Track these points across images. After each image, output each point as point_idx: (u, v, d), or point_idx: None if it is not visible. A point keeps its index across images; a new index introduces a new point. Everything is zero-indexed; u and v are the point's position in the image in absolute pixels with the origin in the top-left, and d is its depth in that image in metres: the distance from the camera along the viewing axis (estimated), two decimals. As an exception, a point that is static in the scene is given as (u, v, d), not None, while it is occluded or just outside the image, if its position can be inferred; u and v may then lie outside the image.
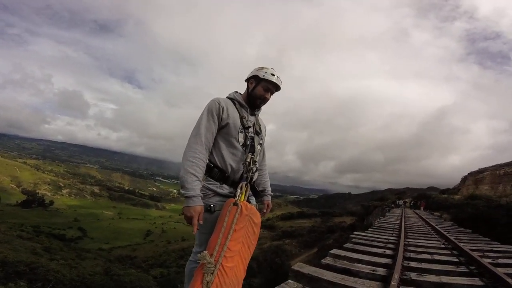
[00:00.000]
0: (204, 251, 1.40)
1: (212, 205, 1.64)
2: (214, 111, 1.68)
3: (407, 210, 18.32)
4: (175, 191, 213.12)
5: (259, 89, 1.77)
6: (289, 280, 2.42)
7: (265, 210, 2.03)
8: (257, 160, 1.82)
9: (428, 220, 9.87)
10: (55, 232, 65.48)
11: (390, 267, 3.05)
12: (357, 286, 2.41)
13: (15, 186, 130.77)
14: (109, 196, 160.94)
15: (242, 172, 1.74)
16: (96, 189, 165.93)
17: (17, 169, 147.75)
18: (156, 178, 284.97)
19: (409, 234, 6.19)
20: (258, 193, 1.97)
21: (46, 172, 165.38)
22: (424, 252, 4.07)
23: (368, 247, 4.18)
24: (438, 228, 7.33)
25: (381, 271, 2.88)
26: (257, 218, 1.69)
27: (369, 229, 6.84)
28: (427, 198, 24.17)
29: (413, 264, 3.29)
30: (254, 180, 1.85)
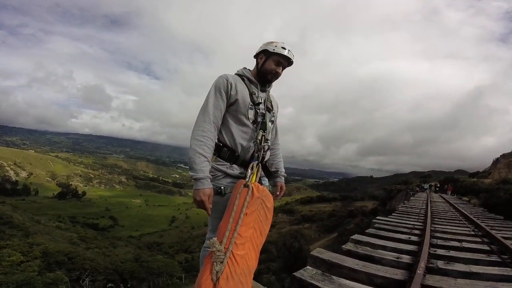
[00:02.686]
0: (213, 238, 1.32)
1: (222, 187, 1.55)
2: (222, 88, 1.58)
3: (433, 194, 17.67)
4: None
5: (270, 63, 1.65)
6: (308, 266, 2.33)
7: (278, 193, 1.90)
8: (269, 138, 1.72)
9: (456, 205, 9.46)
10: (89, 222, 70.79)
11: (415, 255, 2.91)
12: (380, 273, 2.30)
13: (50, 179, 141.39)
14: (136, 185, 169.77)
15: (253, 151, 1.64)
16: (123, 178, 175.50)
17: (51, 163, 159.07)
18: (178, 165, 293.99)
19: (435, 219, 5.95)
20: (271, 174, 1.86)
21: (76, 164, 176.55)
22: (452, 239, 3.88)
23: (392, 233, 4.01)
24: (467, 213, 6.99)
25: (406, 258, 2.75)
26: (270, 202, 1.55)
27: (393, 214, 6.61)
28: (455, 182, 23.08)
29: (440, 251, 3.13)
30: (266, 159, 1.75)
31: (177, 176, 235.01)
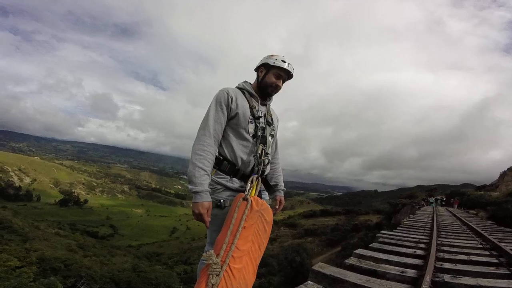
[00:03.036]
0: (210, 251, 1.31)
1: (222, 200, 1.57)
2: (223, 101, 1.61)
3: (439, 208, 17.50)
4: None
5: (270, 77, 1.69)
6: (309, 281, 2.28)
7: (277, 207, 1.90)
8: (269, 152, 1.73)
9: (463, 219, 9.28)
10: (89, 230, 70.27)
11: (421, 269, 2.82)
12: None
13: (53, 186, 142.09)
14: (138, 194, 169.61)
15: (253, 165, 1.65)
16: (126, 187, 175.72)
17: (55, 170, 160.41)
18: (181, 176, 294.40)
19: (442, 233, 5.82)
20: (271, 188, 1.87)
21: (80, 172, 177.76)
22: (459, 253, 3.77)
23: (396, 247, 3.93)
24: (474, 226, 6.82)
25: (411, 272, 2.66)
26: (269, 215, 1.55)
27: (398, 228, 6.51)
28: (461, 195, 22.87)
29: (447, 265, 3.02)
30: (266, 173, 1.76)
31: (180, 187, 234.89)
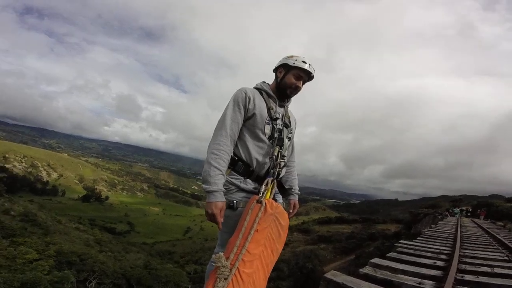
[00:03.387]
0: (219, 253, 1.27)
1: (235, 201, 1.54)
2: (241, 101, 1.60)
3: (464, 219, 16.91)
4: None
5: (290, 78, 1.65)
6: None
7: (291, 211, 1.85)
8: (285, 154, 1.69)
9: (489, 230, 8.91)
10: (108, 226, 73.06)
11: (440, 280, 2.64)
12: None
13: (78, 182, 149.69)
14: (156, 193, 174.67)
15: (269, 167, 1.63)
16: (145, 186, 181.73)
17: (81, 167, 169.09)
18: (198, 177, 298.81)
19: (465, 244, 5.52)
20: (285, 191, 1.84)
21: (104, 170, 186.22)
22: (483, 265, 3.56)
23: (415, 257, 3.72)
24: (501, 238, 6.48)
25: (429, 284, 2.48)
26: (284, 219, 1.49)
27: (418, 238, 6.24)
28: (489, 207, 22.10)
29: (468, 277, 2.83)
30: (281, 176, 1.70)
31: (196, 187, 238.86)
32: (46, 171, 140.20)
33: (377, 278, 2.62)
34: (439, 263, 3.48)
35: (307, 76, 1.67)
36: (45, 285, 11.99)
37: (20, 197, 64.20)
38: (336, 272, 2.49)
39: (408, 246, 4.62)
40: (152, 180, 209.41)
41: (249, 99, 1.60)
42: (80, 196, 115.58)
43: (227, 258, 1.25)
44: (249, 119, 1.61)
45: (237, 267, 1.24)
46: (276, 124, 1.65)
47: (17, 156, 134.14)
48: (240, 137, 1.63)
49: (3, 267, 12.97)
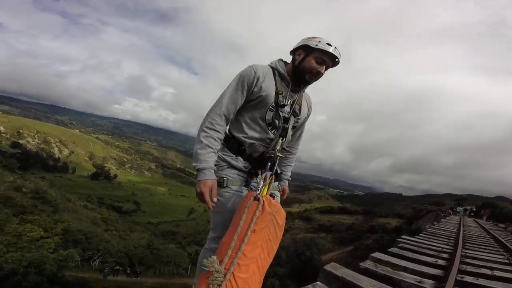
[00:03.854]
0: (212, 256, 1.11)
1: (225, 178, 1.45)
2: (246, 81, 1.44)
3: (466, 218, 16.68)
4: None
5: (310, 61, 1.43)
6: (318, 282, 2.05)
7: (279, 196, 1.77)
8: (285, 145, 1.56)
9: (491, 231, 8.81)
10: (115, 204, 75.45)
11: (440, 280, 2.60)
12: None
13: (88, 159, 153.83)
14: (163, 173, 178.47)
15: (263, 152, 1.52)
16: (152, 165, 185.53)
17: (91, 144, 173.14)
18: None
19: (467, 244, 5.47)
20: (277, 176, 1.63)
21: (113, 147, 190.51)
22: (483, 266, 3.53)
23: (417, 254, 3.68)
24: (502, 240, 6.44)
25: (428, 283, 2.42)
26: (282, 218, 1.35)
27: (420, 234, 6.19)
28: (493, 208, 22.07)
29: (468, 278, 2.78)
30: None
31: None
32: (58, 148, 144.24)
33: (377, 274, 2.56)
34: (441, 262, 3.45)
35: (331, 60, 1.45)
36: (50, 264, 12.55)
37: (32, 173, 66.52)
38: (336, 264, 2.42)
39: (410, 242, 4.59)
40: (159, 160, 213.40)
41: (257, 80, 1.44)
42: (90, 173, 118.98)
43: (221, 262, 1.11)
44: (251, 101, 1.47)
45: (232, 272, 1.11)
46: (282, 111, 1.49)
47: (30, 131, 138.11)
48: (237, 116, 1.53)
49: (11, 245, 13.50)
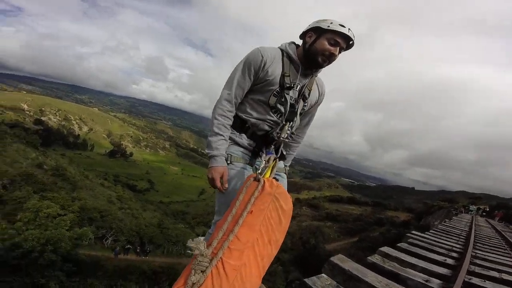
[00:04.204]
0: (198, 237, 1.01)
1: (229, 155, 1.46)
2: (253, 66, 1.41)
3: (478, 217, 16.27)
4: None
5: (322, 43, 1.36)
6: (323, 274, 2.01)
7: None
8: (293, 131, 1.58)
9: (503, 233, 8.55)
10: (130, 183, 78.34)
11: (447, 280, 2.54)
12: None
13: (106, 137, 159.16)
14: (177, 152, 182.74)
15: (268, 132, 1.52)
16: (167, 144, 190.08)
17: (109, 121, 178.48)
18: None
19: (478, 245, 5.35)
20: (283, 156, 1.62)
21: (130, 126, 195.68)
22: (491, 269, 3.42)
23: (426, 252, 3.61)
24: None
25: (435, 283, 2.35)
26: (288, 203, 1.21)
27: (431, 231, 6.10)
28: (508, 209, 21.31)
29: (475, 280, 2.69)
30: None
31: None
32: (78, 125, 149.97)
33: (384, 269, 2.51)
34: (449, 261, 3.36)
35: (345, 42, 1.37)
36: (66, 242, 13.23)
37: (54, 150, 69.66)
38: (343, 257, 2.36)
39: (420, 239, 4.49)
40: (174, 139, 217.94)
41: (264, 64, 1.40)
42: (107, 151, 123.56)
43: (209, 245, 0.98)
44: (257, 84, 1.46)
45: (220, 257, 0.96)
46: (288, 94, 1.44)
47: (52, 109, 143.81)
48: (244, 99, 1.53)
49: (30, 223, 14.16)
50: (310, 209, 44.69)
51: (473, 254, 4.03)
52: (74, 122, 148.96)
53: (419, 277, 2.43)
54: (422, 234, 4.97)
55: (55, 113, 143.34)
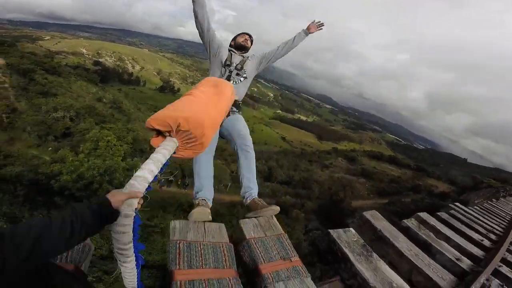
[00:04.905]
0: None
1: None
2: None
3: None
4: (271, 95, 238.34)
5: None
6: (351, 229, 1.91)
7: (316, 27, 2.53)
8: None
9: None
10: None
11: (479, 263, 2.39)
12: (426, 272, 1.85)
13: (156, 74, 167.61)
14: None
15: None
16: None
17: (159, 61, 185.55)
18: (259, 80, 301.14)
19: None
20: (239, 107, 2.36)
21: (178, 64, 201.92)
22: None
23: (464, 227, 3.47)
24: None
25: (465, 263, 2.23)
26: (227, 89, 1.85)
27: (475, 207, 5.78)
28: None
29: (504, 269, 2.50)
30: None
31: (256, 90, 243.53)
32: (131, 64, 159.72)
33: (417, 237, 2.39)
34: (486, 242, 3.17)
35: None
36: (119, 173, 14.04)
37: (111, 86, 75.90)
38: (378, 214, 2.24)
39: (462, 212, 4.26)
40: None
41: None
42: (157, 86, 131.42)
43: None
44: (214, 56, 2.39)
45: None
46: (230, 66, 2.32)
47: (107, 52, 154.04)
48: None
49: (91, 154, 14.95)
50: (346, 161, 42.78)
51: (512, 240, 3.66)
52: (128, 62, 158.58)
53: (451, 253, 2.30)
54: (465, 208, 4.71)
55: (110, 55, 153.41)
